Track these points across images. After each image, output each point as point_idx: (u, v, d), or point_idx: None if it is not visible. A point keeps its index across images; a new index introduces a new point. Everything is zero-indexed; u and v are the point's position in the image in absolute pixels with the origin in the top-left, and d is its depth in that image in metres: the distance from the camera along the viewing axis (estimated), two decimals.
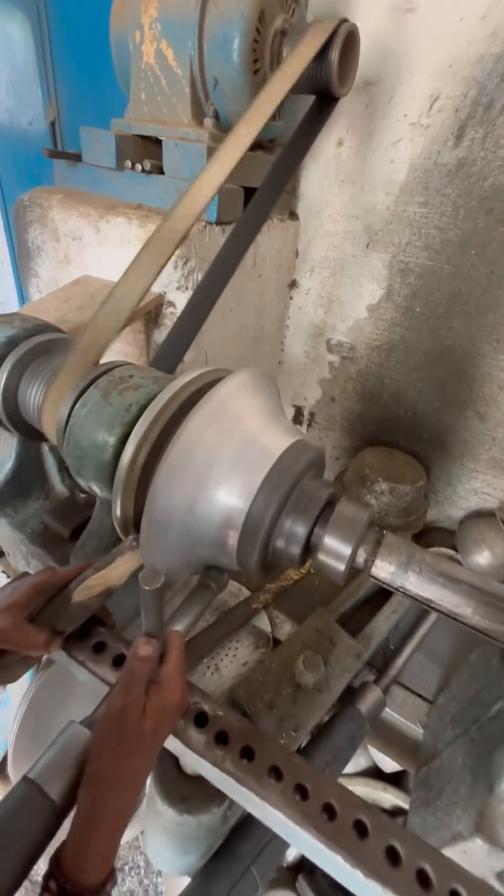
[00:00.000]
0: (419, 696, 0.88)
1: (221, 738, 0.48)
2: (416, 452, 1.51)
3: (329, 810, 0.43)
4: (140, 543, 0.57)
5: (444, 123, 1.12)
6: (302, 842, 0.42)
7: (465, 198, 1.16)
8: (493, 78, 1.03)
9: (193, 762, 0.48)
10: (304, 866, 1.05)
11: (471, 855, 0.50)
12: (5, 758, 1.35)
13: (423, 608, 0.97)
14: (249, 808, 0.46)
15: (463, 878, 0.39)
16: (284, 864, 1.05)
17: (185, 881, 0.90)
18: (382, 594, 1.03)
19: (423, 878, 0.39)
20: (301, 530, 0.53)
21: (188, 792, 0.52)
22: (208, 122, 1.00)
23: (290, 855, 1.04)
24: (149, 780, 0.57)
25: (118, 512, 0.56)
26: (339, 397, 1.64)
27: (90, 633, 0.57)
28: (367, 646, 0.86)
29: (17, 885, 0.37)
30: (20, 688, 1.31)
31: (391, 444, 1.56)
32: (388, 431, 1.57)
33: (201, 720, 0.49)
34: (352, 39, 0.92)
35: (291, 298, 1.58)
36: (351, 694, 0.80)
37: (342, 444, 1.71)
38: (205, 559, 0.57)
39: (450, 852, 0.51)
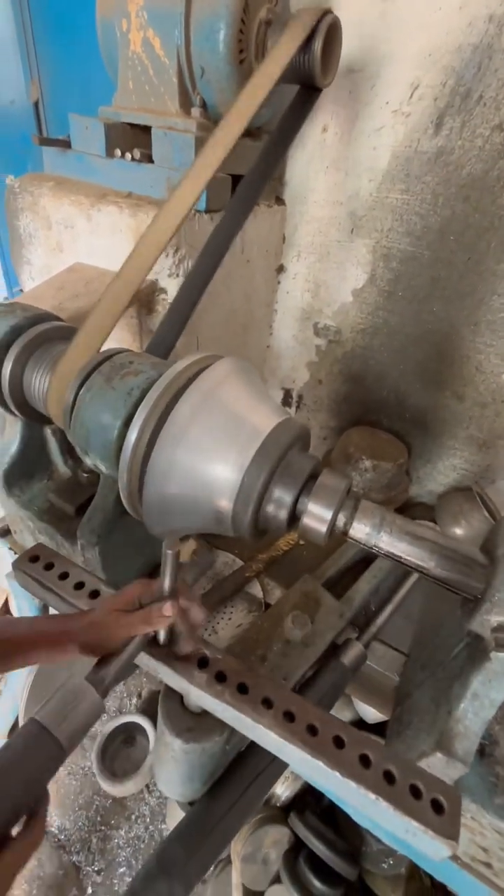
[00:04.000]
0: (396, 650, 0.98)
1: (220, 678, 0.56)
2: (399, 431, 1.59)
3: (312, 729, 0.52)
4: (143, 515, 0.64)
5: (424, 112, 1.16)
6: (291, 755, 0.51)
7: (444, 185, 1.21)
8: (471, 68, 1.07)
9: (197, 698, 0.56)
10: (295, 805, 1.16)
11: (432, 767, 0.59)
12: (16, 724, 1.44)
13: (400, 574, 1.06)
14: (246, 732, 0.54)
15: (421, 775, 0.48)
16: (278, 804, 1.16)
17: None
18: (364, 563, 1.12)
19: (389, 777, 0.48)
20: (288, 498, 0.60)
21: (193, 724, 0.61)
22: (196, 111, 1.03)
23: (283, 795, 1.16)
24: (158, 719, 0.65)
25: (125, 488, 0.62)
26: (325, 379, 1.71)
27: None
28: (350, 606, 0.95)
29: (18, 816, 0.41)
30: None
31: (375, 424, 1.63)
32: (372, 412, 1.64)
33: (203, 663, 0.57)
34: (334, 31, 0.95)
35: (279, 283, 1.62)
36: (335, 649, 0.89)
37: (329, 424, 1.79)
38: (202, 527, 0.64)
39: None
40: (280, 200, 1.47)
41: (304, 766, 0.51)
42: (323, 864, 1.03)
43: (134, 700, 1.63)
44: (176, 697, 0.63)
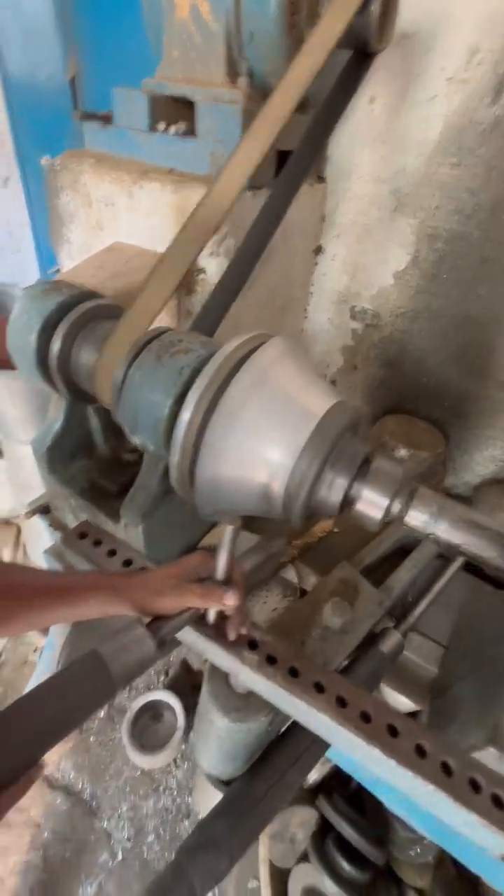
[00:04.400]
0: (434, 641, 0.96)
1: (271, 660, 0.56)
2: (436, 420, 1.55)
3: (365, 716, 0.51)
4: (194, 494, 0.63)
5: (483, 79, 1.09)
6: (344, 740, 0.50)
7: (500, 158, 1.14)
8: None
9: (247, 679, 0.56)
10: (322, 788, 1.17)
11: (484, 762, 0.57)
12: None
13: (439, 565, 1.04)
14: (297, 716, 0.54)
15: (479, 769, 0.47)
16: (305, 786, 1.18)
17: (214, 798, 1.03)
18: (401, 552, 1.10)
19: (446, 768, 0.47)
20: (341, 483, 0.58)
21: (240, 705, 0.61)
22: (242, 80, 0.99)
23: (311, 778, 1.17)
24: (202, 697, 0.65)
25: (176, 467, 0.62)
26: (361, 365, 1.66)
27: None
28: (389, 595, 0.94)
29: (54, 743, 0.42)
30: (62, 632, 1.43)
31: (411, 412, 1.59)
32: (408, 399, 1.60)
33: (253, 645, 0.57)
34: None
35: (316, 265, 1.58)
36: (373, 637, 0.88)
37: (363, 411, 1.75)
38: (251, 508, 0.63)
39: None
40: (321, 178, 1.41)
41: (357, 752, 0.50)
42: (351, 847, 1.04)
43: (161, 678, 1.67)
44: (222, 677, 0.64)
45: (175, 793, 1.42)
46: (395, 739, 0.49)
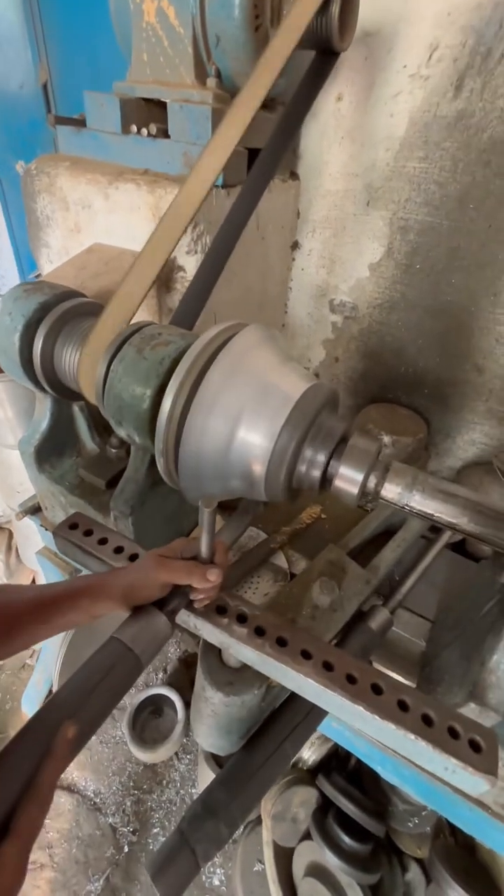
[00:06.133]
0: (421, 616, 0.99)
1: (260, 632, 0.58)
2: (417, 407, 1.59)
3: (350, 678, 0.54)
4: (179, 480, 0.65)
5: (444, 74, 1.13)
6: (331, 702, 0.53)
7: (464, 151, 1.18)
8: (492, 26, 1.04)
9: (238, 651, 0.59)
10: (322, 768, 1.20)
11: None
12: (51, 693, 1.50)
13: (424, 544, 1.07)
14: (286, 682, 0.56)
15: (458, 718, 0.50)
16: (305, 767, 1.21)
17: None
18: (386, 535, 1.13)
19: (427, 720, 0.50)
20: (320, 461, 0.61)
21: (232, 678, 0.63)
22: (211, 81, 1.02)
23: (310, 759, 1.19)
24: (197, 676, 0.68)
25: (161, 455, 0.64)
26: (342, 357, 1.70)
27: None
28: (376, 574, 0.97)
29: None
30: (59, 635, 1.44)
31: (393, 401, 1.63)
32: (390, 388, 1.64)
33: (242, 618, 0.59)
34: None
35: (294, 260, 1.61)
36: (362, 615, 0.91)
37: (346, 402, 1.79)
38: (235, 491, 0.66)
39: None
40: (294, 175, 1.45)
41: (343, 711, 0.53)
42: (351, 821, 1.07)
43: (160, 675, 1.69)
44: (214, 654, 0.66)
45: (178, 785, 1.44)
46: (379, 697, 0.52)
